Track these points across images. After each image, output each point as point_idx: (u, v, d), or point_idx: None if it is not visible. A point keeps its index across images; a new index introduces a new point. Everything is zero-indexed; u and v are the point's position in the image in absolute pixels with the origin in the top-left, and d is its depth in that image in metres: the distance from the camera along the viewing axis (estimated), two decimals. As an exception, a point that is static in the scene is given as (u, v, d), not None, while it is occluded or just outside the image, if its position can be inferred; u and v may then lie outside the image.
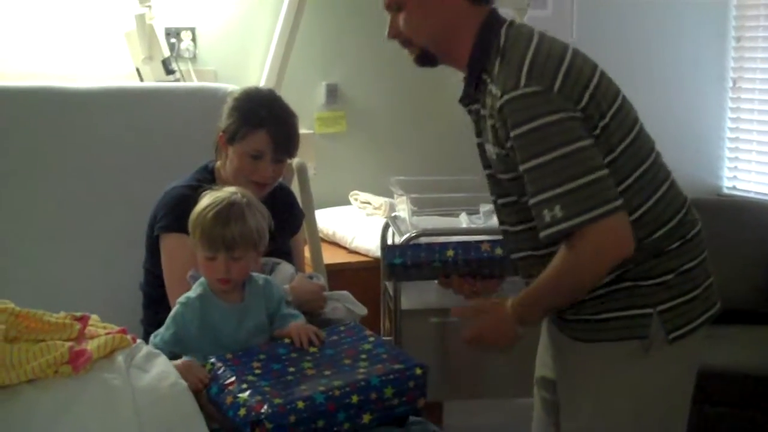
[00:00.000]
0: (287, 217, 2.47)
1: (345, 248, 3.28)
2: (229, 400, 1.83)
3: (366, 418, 1.86)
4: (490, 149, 1.87)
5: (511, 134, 1.74)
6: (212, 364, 1.93)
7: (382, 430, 1.89)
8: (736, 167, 4.25)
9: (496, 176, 1.91)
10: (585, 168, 1.71)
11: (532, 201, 1.75)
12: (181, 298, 2.05)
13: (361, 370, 1.90)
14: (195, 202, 2.13)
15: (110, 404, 1.74)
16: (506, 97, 1.74)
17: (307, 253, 2.80)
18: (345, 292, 2.42)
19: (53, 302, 1.97)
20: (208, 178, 2.38)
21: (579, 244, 1.73)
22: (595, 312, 1.85)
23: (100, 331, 1.90)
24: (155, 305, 2.31)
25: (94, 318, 1.96)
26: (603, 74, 1.83)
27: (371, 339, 2.05)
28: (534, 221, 1.77)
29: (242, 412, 1.79)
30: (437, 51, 1.94)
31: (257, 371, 1.91)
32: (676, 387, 1.90)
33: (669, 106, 3.92)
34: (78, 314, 1.91)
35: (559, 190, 1.71)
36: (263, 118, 2.32)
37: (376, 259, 3.10)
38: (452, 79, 3.71)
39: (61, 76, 2.96)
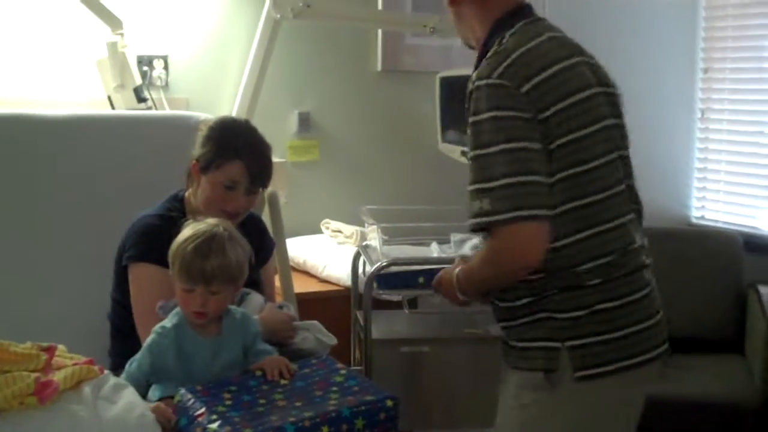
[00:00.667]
0: (258, 245, 2.45)
1: (316, 277, 3.27)
2: (198, 431, 1.83)
3: None
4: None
5: (469, 120, 1.80)
6: (181, 395, 1.91)
7: None
8: (704, 197, 4.29)
9: None
10: (523, 168, 1.74)
11: (468, 188, 1.80)
12: (157, 327, 2.03)
13: (332, 402, 1.90)
14: (164, 231, 2.13)
15: (77, 436, 1.73)
16: (476, 84, 1.81)
17: (277, 282, 2.80)
18: (315, 322, 2.41)
19: (19, 332, 1.94)
20: (177, 207, 2.37)
21: (494, 241, 1.79)
22: (518, 339, 1.89)
23: (67, 362, 1.88)
24: (123, 335, 2.29)
25: (61, 348, 1.93)
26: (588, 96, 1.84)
27: (342, 372, 2.04)
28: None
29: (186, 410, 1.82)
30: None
31: (227, 402, 1.90)
32: (576, 429, 1.85)
33: (638, 136, 3.86)
34: (45, 345, 1.89)
35: (492, 184, 1.74)
36: (239, 148, 2.30)
37: (346, 288, 3.10)
38: (424, 108, 3.75)
39: (32, 103, 2.95)
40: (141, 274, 2.26)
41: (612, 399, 1.85)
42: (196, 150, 2.36)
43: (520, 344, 1.88)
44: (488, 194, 1.74)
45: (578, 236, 1.80)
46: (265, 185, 2.41)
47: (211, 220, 2.09)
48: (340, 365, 2.08)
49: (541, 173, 1.75)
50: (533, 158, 1.75)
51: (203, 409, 1.86)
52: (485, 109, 1.77)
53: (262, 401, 1.92)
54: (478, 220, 1.77)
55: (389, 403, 1.92)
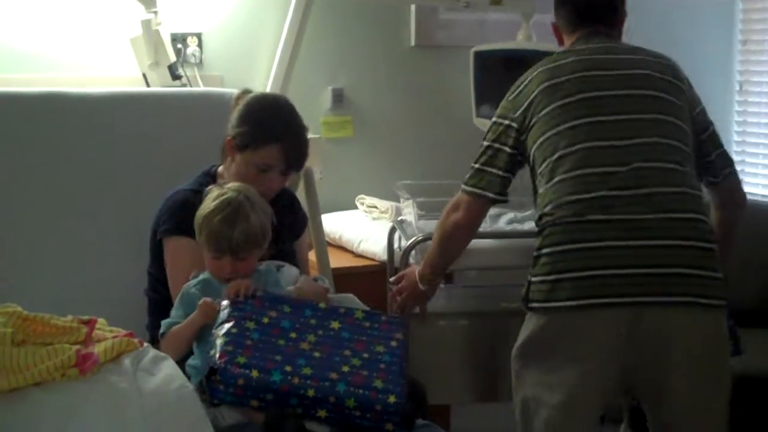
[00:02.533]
0: (290, 220, 2.47)
1: (351, 252, 3.28)
2: (214, 336, 1.93)
3: (321, 413, 1.89)
4: None
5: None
6: (224, 305, 2.00)
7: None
8: (743, 170, 4.23)
9: None
10: (486, 159, 2.34)
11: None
12: (184, 287, 2.13)
13: (345, 369, 1.93)
14: (197, 205, 2.17)
15: (117, 407, 1.75)
16: None
17: (312, 256, 2.81)
18: (350, 295, 2.43)
19: (60, 306, 1.97)
20: (210, 182, 2.37)
21: (455, 202, 2.39)
22: None
23: (107, 335, 1.91)
24: (160, 310, 2.31)
25: (101, 321, 1.96)
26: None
27: (392, 343, 2.05)
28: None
29: (212, 353, 1.89)
30: None
31: (264, 321, 1.97)
32: (532, 342, 2.17)
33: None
34: (85, 318, 1.92)
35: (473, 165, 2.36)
36: (278, 132, 2.28)
37: (382, 263, 3.10)
38: (458, 83, 3.73)
39: (67, 81, 2.96)
40: (176, 248, 2.28)
41: (566, 333, 2.13)
42: (233, 126, 2.33)
43: None
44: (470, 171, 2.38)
45: (541, 189, 2.24)
46: (300, 168, 2.40)
47: (233, 185, 2.14)
48: (399, 335, 2.09)
49: (497, 167, 2.38)
50: (496, 155, 2.38)
51: (232, 322, 1.94)
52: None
53: (292, 335, 1.97)
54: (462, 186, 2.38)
55: (391, 399, 1.91)
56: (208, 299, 2.04)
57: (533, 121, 2.25)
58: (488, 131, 2.37)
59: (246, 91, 2.46)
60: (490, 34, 3.70)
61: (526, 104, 2.28)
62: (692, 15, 4.11)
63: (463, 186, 2.37)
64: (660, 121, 2.19)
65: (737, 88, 4.21)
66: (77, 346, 1.80)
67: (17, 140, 2.57)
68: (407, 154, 3.76)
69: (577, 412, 2.15)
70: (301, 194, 2.84)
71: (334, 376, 1.90)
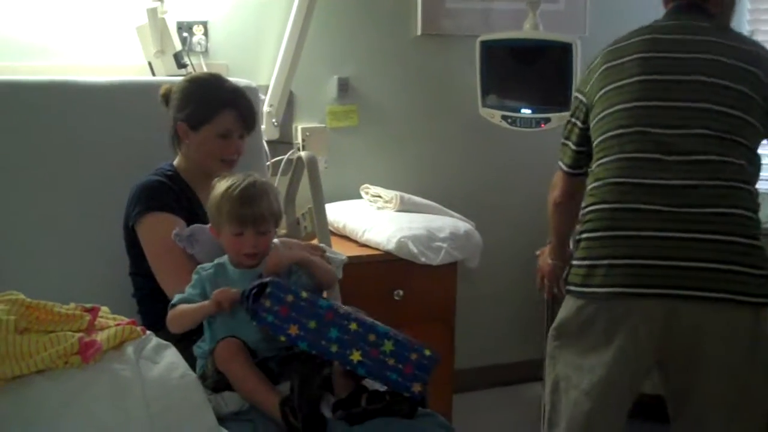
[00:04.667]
0: None
1: (355, 241, 3.28)
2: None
3: (355, 355, 1.86)
4: None
5: None
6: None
7: (385, 421, 1.88)
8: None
9: None
10: (565, 133, 2.43)
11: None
12: (198, 267, 2.14)
13: (378, 324, 1.92)
14: (165, 186, 2.27)
15: (120, 395, 1.75)
16: None
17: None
18: (321, 245, 2.48)
19: (63, 295, 1.98)
20: (170, 171, 2.43)
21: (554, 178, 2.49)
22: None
23: (110, 323, 1.92)
24: (149, 304, 2.33)
25: (104, 310, 1.97)
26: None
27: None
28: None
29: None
30: None
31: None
32: (567, 324, 2.23)
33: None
34: (88, 306, 1.93)
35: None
36: (225, 99, 2.39)
37: (386, 253, 3.10)
38: (464, 73, 3.72)
39: (73, 70, 2.96)
40: (150, 223, 2.29)
41: (599, 316, 2.16)
42: (175, 113, 2.41)
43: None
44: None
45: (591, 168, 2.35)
46: (254, 127, 2.48)
47: (239, 174, 2.16)
48: (418, 386, 1.91)
49: (573, 142, 2.49)
50: (573, 130, 2.47)
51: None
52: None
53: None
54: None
55: (427, 351, 1.90)
56: (227, 290, 2.01)
57: (595, 98, 2.26)
58: (571, 105, 2.45)
59: (169, 87, 2.51)
60: (497, 23, 3.70)
61: (591, 81, 2.30)
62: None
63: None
64: (713, 111, 2.14)
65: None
66: (80, 334, 1.81)
67: (22, 129, 2.58)
68: (412, 143, 3.76)
69: (605, 398, 2.15)
70: (305, 183, 2.85)
71: (370, 321, 1.91)
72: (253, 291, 1.89)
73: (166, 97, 2.47)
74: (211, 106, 2.38)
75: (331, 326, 1.86)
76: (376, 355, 1.87)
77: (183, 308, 2.07)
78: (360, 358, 1.86)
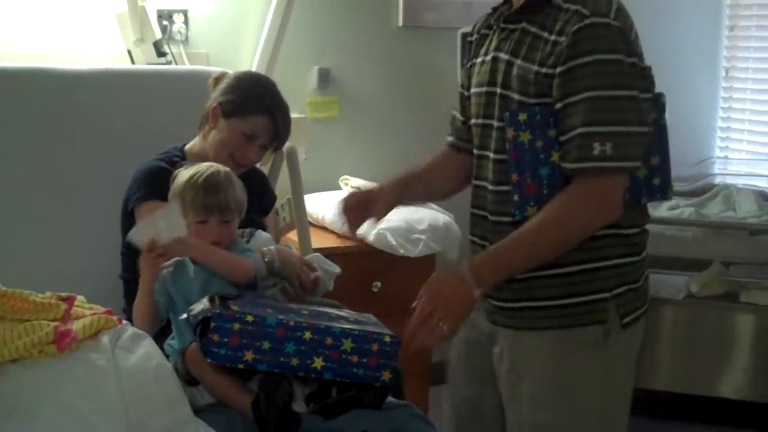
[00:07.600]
0: (260, 191, 2.54)
1: (334, 233, 3.28)
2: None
3: (317, 362, 1.84)
4: (528, 68, 1.78)
5: (581, 59, 1.71)
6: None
7: (359, 413, 1.88)
8: (727, 157, 4.25)
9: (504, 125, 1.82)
10: (640, 118, 1.73)
11: (581, 130, 1.70)
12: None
13: (334, 324, 1.89)
14: (169, 173, 2.20)
15: (95, 384, 1.75)
16: (594, 19, 1.71)
17: (295, 237, 2.81)
18: (317, 255, 2.47)
19: (39, 283, 1.97)
20: (178, 155, 2.42)
21: (591, 189, 1.72)
22: (550, 297, 1.82)
23: (86, 312, 1.91)
24: (135, 291, 2.31)
25: (80, 299, 1.96)
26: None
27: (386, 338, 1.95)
28: None
29: (198, 308, 1.85)
30: None
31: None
32: (627, 374, 1.91)
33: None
34: (64, 294, 1.92)
35: (615, 129, 1.69)
36: (268, 103, 2.39)
37: (365, 244, 3.11)
38: (445, 64, 3.71)
39: (53, 57, 2.94)
40: (148, 210, 2.26)
41: (638, 342, 1.91)
42: (218, 95, 2.42)
43: (554, 303, 1.82)
44: (612, 138, 1.69)
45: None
46: (281, 146, 2.49)
47: (204, 164, 2.15)
48: (386, 373, 1.91)
49: (649, 125, 1.77)
50: (647, 109, 1.77)
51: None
52: (621, 50, 1.71)
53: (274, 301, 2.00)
54: (600, 164, 1.69)
55: (387, 338, 1.88)
56: (149, 256, 2.03)
57: None
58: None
59: (225, 73, 2.53)
60: (478, 15, 3.67)
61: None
62: (679, 3, 4.11)
63: None
64: None
65: (723, 74, 4.23)
66: (55, 323, 1.81)
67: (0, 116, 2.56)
68: (393, 135, 3.76)
69: None
70: (284, 174, 2.84)
71: (325, 323, 1.88)
72: (198, 327, 1.84)
73: (218, 80, 2.48)
74: (251, 103, 2.38)
75: (286, 341, 1.83)
76: (337, 357, 1.86)
77: (135, 305, 2.11)
78: (323, 364, 1.85)
